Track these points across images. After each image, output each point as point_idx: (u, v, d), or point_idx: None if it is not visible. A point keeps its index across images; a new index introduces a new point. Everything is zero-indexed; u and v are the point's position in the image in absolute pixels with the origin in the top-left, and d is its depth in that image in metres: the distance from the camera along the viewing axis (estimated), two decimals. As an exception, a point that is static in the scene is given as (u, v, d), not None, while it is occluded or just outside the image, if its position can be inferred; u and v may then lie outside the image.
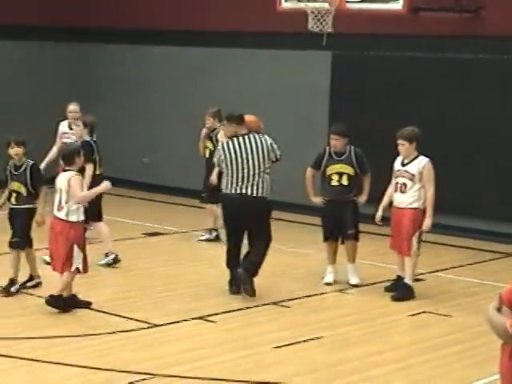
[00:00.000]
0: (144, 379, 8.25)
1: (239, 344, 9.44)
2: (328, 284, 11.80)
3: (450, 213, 14.99)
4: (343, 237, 11.75)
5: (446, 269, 13.02)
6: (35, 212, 10.81)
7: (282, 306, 10.92)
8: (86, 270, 10.39)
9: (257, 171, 11.08)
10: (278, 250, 13.32)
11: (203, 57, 17.84)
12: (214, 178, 13.47)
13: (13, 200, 10.84)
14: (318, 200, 11.94)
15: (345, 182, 11.62)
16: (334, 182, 11.68)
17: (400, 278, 11.40)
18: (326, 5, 14.07)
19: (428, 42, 15.22)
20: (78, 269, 10.25)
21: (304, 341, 9.56)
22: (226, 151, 11.15)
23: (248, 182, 11.06)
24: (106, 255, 12.48)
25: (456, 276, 12.70)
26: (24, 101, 17.83)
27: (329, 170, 11.71)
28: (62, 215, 10.17)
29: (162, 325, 9.95)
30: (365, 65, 15.97)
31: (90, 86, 19.25)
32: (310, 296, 11.37)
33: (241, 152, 11.10)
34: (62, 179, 10.22)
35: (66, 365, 8.56)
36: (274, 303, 10.97)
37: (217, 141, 13.87)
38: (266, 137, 11.27)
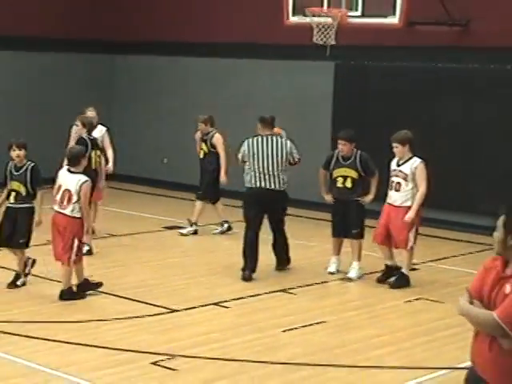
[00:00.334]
0: (165, 359, 8.26)
1: (251, 327, 9.45)
2: (331, 273, 11.79)
3: (444, 208, 14.99)
4: (348, 235, 11.71)
5: (440, 259, 13.01)
6: (34, 211, 10.56)
7: (290, 293, 10.92)
8: (81, 258, 10.37)
9: (275, 168, 11.41)
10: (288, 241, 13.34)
11: (216, 66, 17.82)
12: (223, 179, 13.90)
13: (11, 199, 10.55)
14: (328, 198, 11.85)
15: (348, 184, 11.56)
16: (339, 184, 11.63)
17: (388, 268, 11.36)
18: (330, 19, 14.08)
19: (422, 52, 15.18)
20: (74, 260, 10.22)
21: (310, 325, 9.56)
22: (250, 147, 11.51)
23: (268, 177, 11.41)
24: None
25: (449, 266, 12.68)
26: (56, 103, 17.78)
27: (335, 173, 11.67)
28: (67, 212, 10.11)
29: (180, 310, 9.97)
30: (365, 74, 15.94)
31: (114, 93, 19.29)
32: (315, 284, 11.37)
33: (262, 149, 11.46)
34: (73, 181, 10.13)
35: (94, 346, 8.58)
36: (283, 290, 10.97)
37: (211, 144, 14.12)
38: (288, 141, 11.64)
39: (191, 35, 17.96)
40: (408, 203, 11.06)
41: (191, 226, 14.22)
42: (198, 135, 14.40)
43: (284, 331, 9.31)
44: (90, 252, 12.25)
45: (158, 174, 18.63)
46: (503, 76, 14.55)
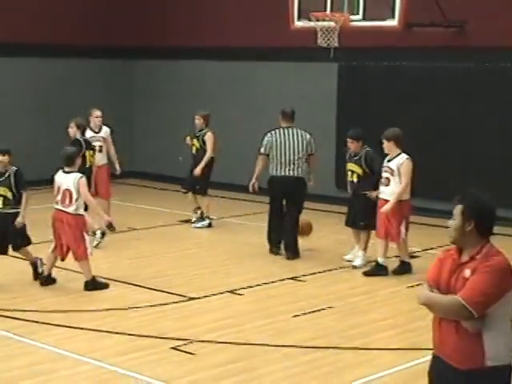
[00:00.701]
0: (183, 344, 8.29)
1: (263, 313, 9.46)
2: (347, 261, 11.70)
3: (445, 199, 14.94)
4: (355, 226, 11.68)
5: (440, 246, 12.96)
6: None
7: (299, 280, 10.93)
8: (91, 252, 10.37)
9: (296, 157, 11.86)
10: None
11: (228, 69, 17.82)
12: (198, 171, 13.89)
13: (0, 204, 10.37)
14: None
15: (355, 179, 11.51)
16: (349, 178, 11.61)
17: (378, 264, 11.20)
18: (333, 23, 14.06)
19: (420, 53, 15.13)
20: (91, 253, 10.24)
21: (318, 310, 9.58)
22: (274, 138, 11.94)
23: (289, 165, 11.86)
24: None
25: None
26: (76, 108, 17.76)
27: (347, 167, 11.68)
28: (71, 210, 10.09)
29: (197, 298, 9.99)
30: (366, 74, 15.92)
31: (134, 96, 19.33)
32: (323, 272, 11.38)
33: (284, 140, 11.92)
34: (69, 180, 10.11)
35: (117, 333, 8.62)
36: (293, 278, 10.98)
37: (203, 141, 14.07)
38: (307, 134, 12.05)
39: (204, 40, 17.96)
40: (402, 198, 10.93)
41: (204, 219, 14.20)
42: (191, 131, 14.28)
43: (294, 316, 9.33)
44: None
45: (174, 171, 18.64)
46: (498, 75, 14.50)
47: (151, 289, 10.34)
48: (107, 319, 9.11)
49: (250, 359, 7.99)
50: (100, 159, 13.52)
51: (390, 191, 10.92)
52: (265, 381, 7.50)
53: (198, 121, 14.22)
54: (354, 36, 14.88)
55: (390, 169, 10.93)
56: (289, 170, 11.92)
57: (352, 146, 11.54)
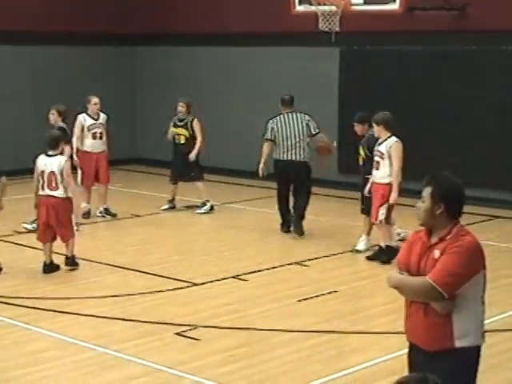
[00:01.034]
0: (188, 330, 8.28)
1: (268, 298, 9.44)
2: (358, 251, 11.50)
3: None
4: (361, 211, 11.63)
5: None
6: None
7: (303, 265, 10.91)
8: (78, 229, 10.70)
9: (298, 140, 12.20)
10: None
11: (228, 54, 17.76)
12: (193, 156, 13.87)
13: None
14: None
15: (361, 161, 11.45)
16: (360, 162, 11.54)
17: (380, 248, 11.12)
18: (334, 7, 13.99)
19: (422, 36, 15.06)
20: (76, 229, 10.49)
21: (323, 294, 9.56)
22: (278, 124, 12.31)
23: (293, 149, 12.20)
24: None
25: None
26: (79, 92, 17.65)
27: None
28: (58, 194, 10.15)
29: (201, 284, 9.97)
30: (368, 58, 15.85)
31: (136, 83, 19.28)
32: (326, 256, 11.35)
33: (285, 125, 12.28)
34: (54, 163, 10.15)
35: (121, 319, 8.60)
36: (297, 263, 10.96)
37: (192, 129, 13.99)
38: (306, 116, 12.43)
39: (205, 26, 17.89)
40: (384, 180, 10.76)
41: (205, 204, 14.17)
42: (175, 119, 14.14)
43: (299, 301, 9.31)
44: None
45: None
46: (499, 58, 14.44)
47: (155, 275, 10.32)
48: (111, 306, 9.09)
49: (255, 344, 7.98)
50: (100, 146, 13.57)
51: (381, 175, 10.82)
52: (269, 366, 7.48)
53: (182, 108, 14.09)
54: (355, 20, 14.81)
55: (380, 152, 10.82)
56: (291, 154, 12.23)
57: (357, 129, 11.47)
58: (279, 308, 9.10)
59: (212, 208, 14.16)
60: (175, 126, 14.12)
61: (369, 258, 11.08)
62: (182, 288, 9.79)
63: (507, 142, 14.44)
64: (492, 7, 14.41)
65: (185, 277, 10.21)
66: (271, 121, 12.44)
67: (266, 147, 12.51)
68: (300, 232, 12.23)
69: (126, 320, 8.58)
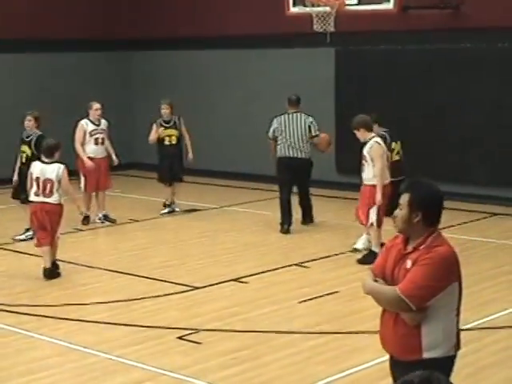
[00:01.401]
0: (189, 334, 8.30)
1: (268, 300, 9.46)
2: (356, 250, 11.47)
3: (442, 180, 14.94)
4: None
5: (441, 228, 12.86)
6: None
7: (303, 266, 10.93)
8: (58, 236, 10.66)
9: (300, 139, 12.68)
10: (298, 218, 13.37)
11: (225, 57, 17.79)
12: (191, 155, 14.26)
13: None
14: None
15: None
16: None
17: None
18: (328, 8, 13.99)
19: (416, 35, 15.10)
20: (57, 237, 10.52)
21: (323, 295, 9.58)
22: (282, 123, 12.79)
23: (295, 147, 12.70)
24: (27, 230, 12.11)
25: (449, 234, 12.51)
26: (76, 97, 17.68)
27: None
28: (53, 200, 10.29)
29: (202, 287, 9.99)
30: (363, 58, 15.88)
31: (132, 87, 19.29)
32: (326, 257, 11.37)
33: (289, 124, 12.76)
34: (52, 170, 10.29)
35: (123, 324, 8.62)
36: (296, 264, 10.98)
37: (180, 128, 14.22)
38: (309, 117, 12.86)
39: (201, 29, 17.91)
40: (370, 182, 10.85)
41: (171, 205, 14.30)
42: (160, 121, 14.21)
43: (300, 302, 9.33)
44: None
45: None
46: (494, 55, 14.47)
47: (156, 279, 10.34)
48: (113, 311, 9.12)
49: (256, 347, 8.00)
50: (101, 151, 13.59)
51: (366, 176, 10.91)
52: (271, 368, 7.50)
53: (167, 110, 14.22)
54: (350, 20, 14.83)
55: (363, 155, 10.91)
56: (294, 151, 12.71)
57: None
58: (280, 310, 9.12)
59: (174, 210, 14.34)
60: (164, 127, 14.16)
61: (359, 262, 11.05)
62: (182, 292, 9.81)
63: (506, 139, 14.46)
64: (486, 5, 14.44)
65: (185, 281, 10.23)
66: (276, 119, 12.95)
67: (271, 145, 13.12)
68: (310, 221, 13.13)
69: (128, 325, 8.60)
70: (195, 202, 15.29)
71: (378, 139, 10.95)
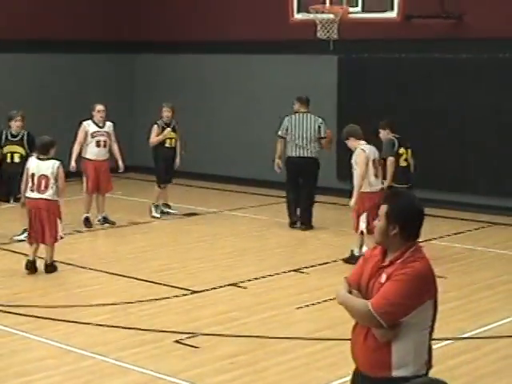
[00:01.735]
0: (187, 338, 8.23)
1: (267, 306, 9.40)
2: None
3: (441, 188, 14.92)
4: None
5: (441, 237, 12.91)
6: None
7: (302, 272, 10.86)
8: (62, 237, 10.63)
9: (309, 139, 12.99)
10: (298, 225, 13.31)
11: (228, 62, 17.76)
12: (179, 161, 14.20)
13: None
14: None
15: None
16: None
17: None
18: (332, 16, 13.99)
19: (419, 44, 15.07)
20: (61, 237, 10.52)
21: (321, 302, 9.51)
22: (293, 122, 13.08)
23: (304, 147, 13.00)
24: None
25: (449, 243, 12.60)
26: (79, 100, 17.63)
27: None
28: (47, 196, 10.35)
29: (201, 291, 9.92)
30: (366, 66, 15.84)
31: (135, 90, 19.26)
32: (325, 263, 11.30)
33: (299, 124, 13.06)
34: (47, 167, 10.36)
35: (120, 327, 8.56)
36: (295, 270, 10.92)
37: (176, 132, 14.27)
38: (319, 119, 13.17)
39: (204, 34, 17.89)
40: (361, 189, 10.91)
41: (158, 208, 14.24)
42: (161, 123, 14.17)
43: (298, 308, 9.27)
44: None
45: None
46: (496, 65, 14.44)
47: (154, 283, 10.27)
48: (110, 314, 9.04)
49: (254, 352, 7.93)
50: (103, 154, 13.49)
51: (353, 184, 10.95)
52: (269, 373, 7.44)
53: (169, 113, 14.19)
54: (353, 28, 14.80)
55: (351, 163, 10.97)
56: (303, 151, 13.01)
57: (381, 135, 11.36)
58: (278, 315, 9.05)
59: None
60: (162, 128, 14.13)
61: (344, 260, 11.05)
62: (180, 296, 9.74)
63: (505, 149, 14.43)
64: (488, 16, 14.42)
65: (184, 284, 10.16)
66: (287, 118, 13.19)
67: (279, 144, 13.32)
68: (308, 226, 13.05)
69: (125, 328, 8.53)
70: (195, 205, 15.23)
71: (364, 146, 10.97)
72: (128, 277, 10.51)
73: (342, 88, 16.12)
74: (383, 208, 4.55)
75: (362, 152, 10.86)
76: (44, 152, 10.49)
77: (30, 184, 10.41)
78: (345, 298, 4.59)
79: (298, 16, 14.97)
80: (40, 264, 10.60)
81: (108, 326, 8.59)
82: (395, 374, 4.47)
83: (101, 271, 10.69)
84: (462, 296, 9.76)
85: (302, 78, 16.55)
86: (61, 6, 17.93)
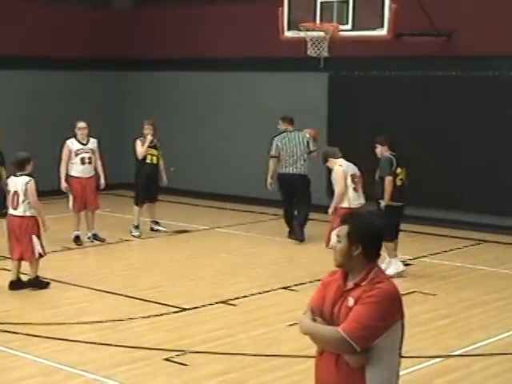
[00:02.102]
0: (177, 355, 8.21)
1: (257, 323, 9.39)
2: None
3: (433, 206, 14.95)
4: None
5: (431, 254, 12.94)
6: None
7: (292, 290, 10.86)
8: (44, 253, 10.59)
9: (299, 156, 13.55)
10: (289, 242, 13.32)
11: (218, 79, 17.80)
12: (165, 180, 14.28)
13: None
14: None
15: (376, 184, 11.52)
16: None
17: None
18: (322, 33, 14.00)
19: (409, 62, 15.15)
20: (40, 254, 10.47)
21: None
22: (282, 141, 13.63)
23: (294, 164, 13.56)
24: None
25: (439, 260, 12.62)
26: (67, 117, 17.59)
27: None
28: (19, 213, 10.39)
29: (190, 309, 9.91)
30: (356, 83, 15.91)
31: (124, 107, 19.27)
32: (314, 281, 11.27)
33: (290, 142, 13.62)
34: (19, 182, 10.41)
35: (110, 345, 8.53)
36: (285, 288, 10.91)
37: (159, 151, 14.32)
38: (306, 134, 13.77)
39: (194, 51, 17.95)
40: (340, 205, 11.14)
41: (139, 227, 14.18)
42: (150, 138, 14.14)
43: (289, 325, 9.24)
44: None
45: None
46: (486, 83, 14.51)
47: (144, 300, 10.25)
48: (100, 331, 9.02)
49: (245, 370, 7.91)
50: (89, 171, 13.48)
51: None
52: (259, 391, 7.41)
53: (150, 130, 14.16)
54: (343, 46, 14.84)
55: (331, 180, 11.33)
56: (294, 168, 13.57)
57: (376, 150, 11.53)
58: (269, 333, 9.04)
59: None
60: (146, 144, 14.15)
61: None
62: (170, 313, 9.73)
63: (497, 167, 14.48)
64: (478, 33, 14.50)
65: (174, 302, 10.14)
66: (276, 138, 13.72)
67: (272, 163, 13.77)
68: (301, 238, 13.52)
69: (115, 346, 8.50)
70: (185, 223, 15.22)
71: (342, 162, 11.13)
72: (118, 294, 10.49)
73: (332, 105, 16.19)
74: (344, 229, 4.42)
75: (340, 168, 11.14)
76: (20, 168, 10.55)
77: (9, 201, 10.53)
78: (311, 327, 4.46)
79: (289, 33, 14.97)
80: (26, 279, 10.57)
81: (98, 344, 8.56)
82: None
83: (90, 288, 10.67)
84: (453, 313, 9.77)
85: (292, 95, 16.61)
86: (51, 23, 17.97)
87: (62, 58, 17.84)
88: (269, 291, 10.75)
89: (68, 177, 13.41)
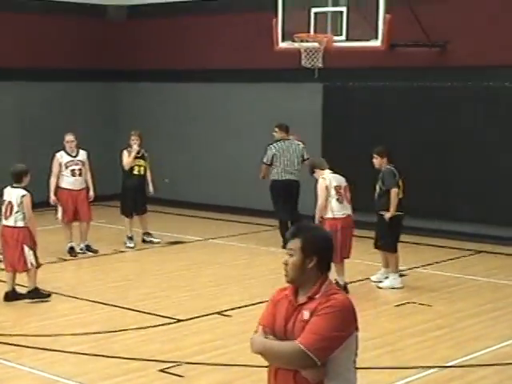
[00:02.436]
0: (172, 367, 8.22)
1: (251, 335, 9.34)
2: (374, 282, 11.64)
3: (427, 217, 14.99)
4: (376, 246, 11.72)
5: (426, 265, 12.98)
6: None
7: (287, 300, 10.85)
8: (38, 264, 10.61)
9: (294, 164, 14.00)
10: (281, 252, 13.33)
11: (213, 91, 17.85)
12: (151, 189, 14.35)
13: None
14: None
15: (376, 195, 11.54)
16: (375, 195, 11.64)
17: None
18: (317, 44, 14.06)
19: (403, 73, 15.21)
20: (32, 264, 10.48)
21: (307, 330, 9.50)
22: (278, 149, 13.99)
23: (294, 171, 13.99)
24: None
25: (434, 271, 12.66)
26: (60, 128, 17.68)
27: None
28: (11, 223, 10.45)
29: (185, 320, 9.92)
30: (351, 94, 15.97)
31: (117, 119, 19.30)
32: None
33: (287, 150, 14.00)
34: (15, 194, 10.48)
35: (105, 356, 8.54)
36: (280, 299, 10.90)
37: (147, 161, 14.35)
38: (299, 143, 14.16)
39: (188, 63, 18.00)
40: (326, 215, 11.12)
41: (132, 238, 14.21)
42: (136, 149, 14.14)
43: (283, 337, 9.25)
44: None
45: (158, 193, 18.58)
46: (480, 93, 14.58)
47: (139, 311, 10.27)
48: (94, 342, 9.03)
49: (240, 381, 7.94)
50: (80, 183, 13.49)
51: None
52: (254, 402, 7.43)
53: (137, 141, 14.18)
54: (337, 56, 14.90)
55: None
56: (290, 175, 13.96)
57: (375, 161, 11.52)
58: (263, 344, 9.03)
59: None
60: (139, 157, 14.19)
61: None
62: (165, 324, 9.74)
63: (491, 178, 14.52)
64: (473, 44, 14.57)
65: (168, 313, 10.16)
66: (272, 146, 14.02)
67: (264, 169, 14.16)
68: None
69: (109, 357, 8.52)
70: (179, 234, 15.24)
71: (327, 175, 11.19)
72: (112, 305, 10.50)
73: (326, 116, 16.24)
74: (296, 243, 4.35)
75: (323, 181, 11.16)
76: (18, 180, 10.64)
77: (3, 211, 10.60)
78: (266, 344, 4.35)
79: (283, 44, 15.03)
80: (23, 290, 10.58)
81: (92, 355, 8.57)
82: None
83: (84, 299, 10.68)
84: (447, 324, 9.81)
85: (287, 106, 16.65)
86: (44, 35, 18.02)
87: (52, 69, 17.88)
88: (263, 302, 10.73)
89: (58, 189, 13.40)
